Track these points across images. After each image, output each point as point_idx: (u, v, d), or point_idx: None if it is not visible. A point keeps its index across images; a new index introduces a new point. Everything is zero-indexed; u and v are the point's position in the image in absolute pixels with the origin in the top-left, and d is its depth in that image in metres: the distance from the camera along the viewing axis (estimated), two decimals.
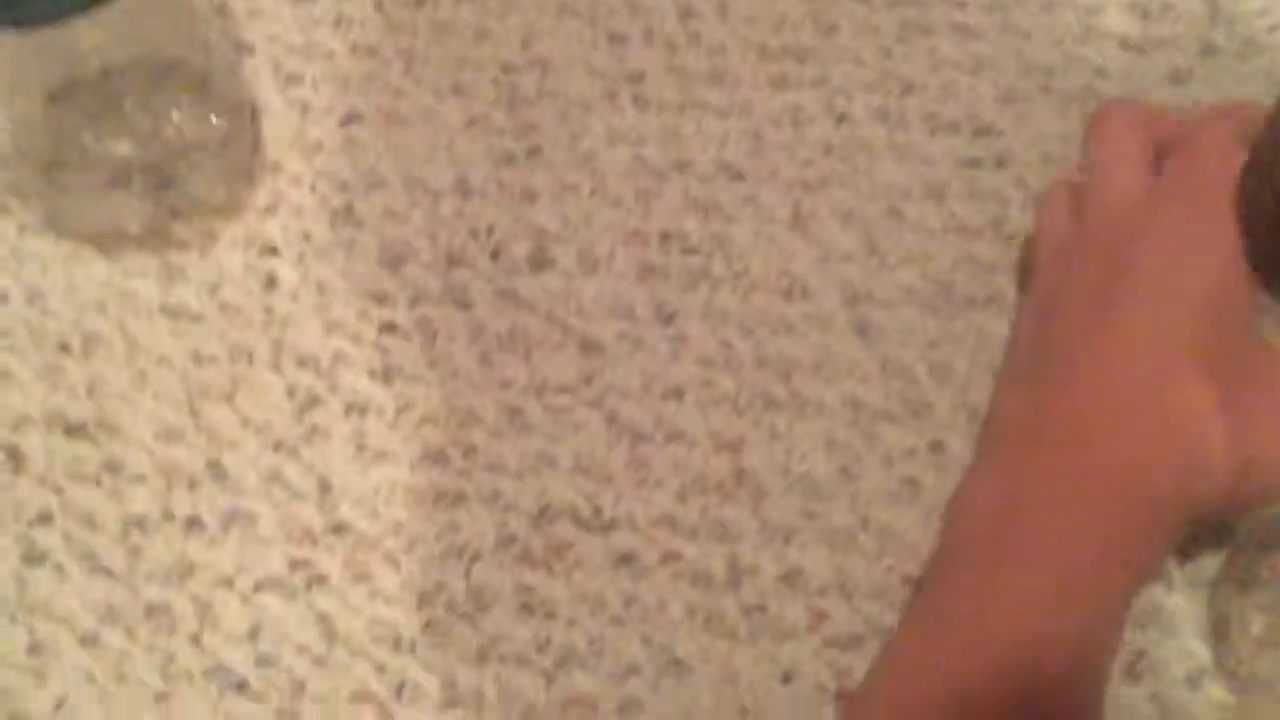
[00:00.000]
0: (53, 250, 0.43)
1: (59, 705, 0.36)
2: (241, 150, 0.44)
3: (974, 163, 0.44)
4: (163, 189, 0.42)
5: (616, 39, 0.47)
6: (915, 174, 0.44)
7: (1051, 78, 0.46)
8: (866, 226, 0.43)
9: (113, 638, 0.37)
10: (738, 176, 0.44)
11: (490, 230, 0.43)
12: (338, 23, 0.47)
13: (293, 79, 0.46)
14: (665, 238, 0.43)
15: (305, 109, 0.45)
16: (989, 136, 0.45)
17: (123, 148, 0.42)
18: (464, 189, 0.44)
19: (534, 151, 0.45)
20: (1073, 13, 0.47)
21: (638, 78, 0.46)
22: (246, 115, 0.44)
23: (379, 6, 0.48)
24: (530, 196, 0.44)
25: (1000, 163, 0.44)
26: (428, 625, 0.37)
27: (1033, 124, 0.45)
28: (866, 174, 0.44)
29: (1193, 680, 0.36)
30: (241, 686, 0.36)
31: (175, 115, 0.42)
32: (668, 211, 0.43)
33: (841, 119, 0.45)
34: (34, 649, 0.37)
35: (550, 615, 0.37)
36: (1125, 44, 0.46)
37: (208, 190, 0.43)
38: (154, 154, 0.42)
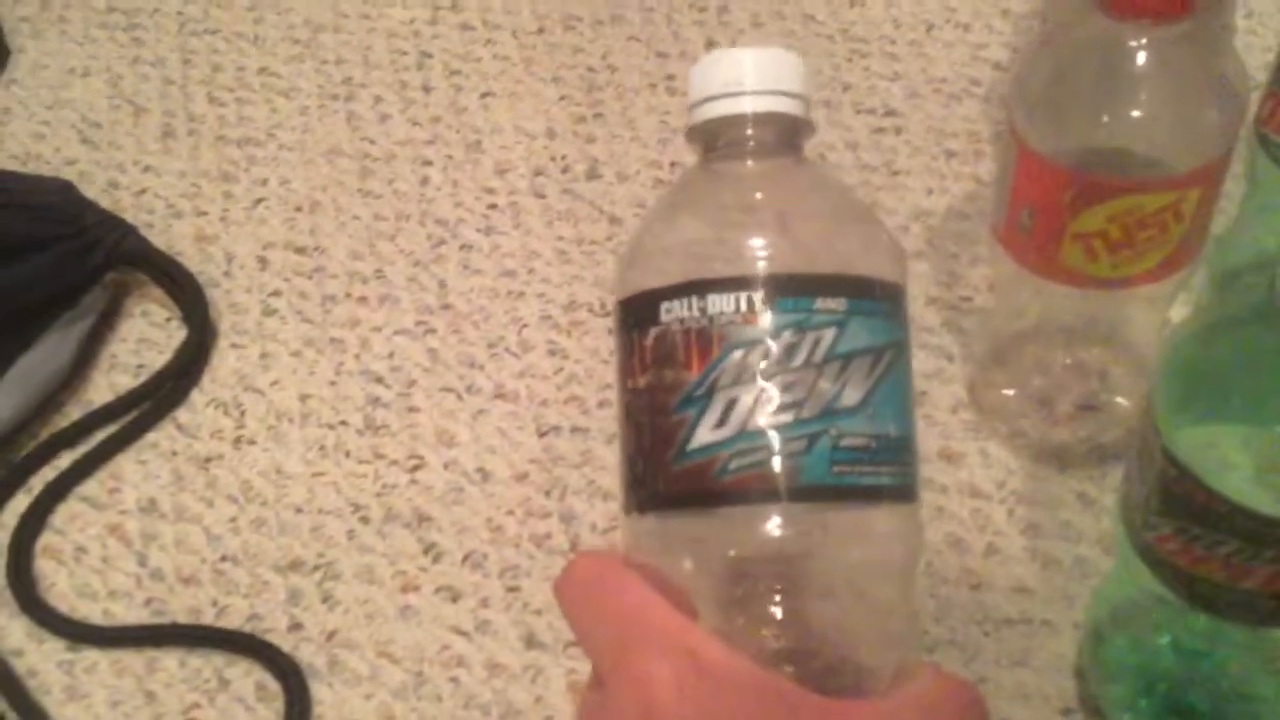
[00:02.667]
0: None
1: (275, 383, 0.61)
2: None
3: (880, 130, 0.67)
4: None
5: (660, 54, 0.72)
6: (840, 136, 0.67)
7: (943, 84, 0.69)
8: None
9: (309, 354, 0.61)
10: None
11: (564, 157, 0.68)
12: (488, 42, 0.74)
13: (457, 72, 0.73)
14: (674, 165, 0.67)
15: (458, 88, 0.72)
16: (894, 117, 0.68)
17: None
18: (550, 134, 0.69)
19: (598, 116, 0.70)
20: (966, 48, 0.70)
21: (671, 77, 0.71)
22: None
23: (514, 34, 0.74)
24: (591, 140, 0.69)
25: (898, 131, 0.67)
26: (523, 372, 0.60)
27: (923, 111, 0.68)
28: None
29: None
30: (379, 380, 0.60)
31: None
32: (679, 151, 0.67)
33: None
34: (264, 356, 0.62)
35: None
36: (997, 66, 0.69)
37: None
38: None
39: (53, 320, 0.60)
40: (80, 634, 0.54)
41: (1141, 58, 0.42)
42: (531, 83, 0.72)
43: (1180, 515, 0.37)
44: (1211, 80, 0.44)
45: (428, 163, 0.69)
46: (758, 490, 0.30)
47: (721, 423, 0.31)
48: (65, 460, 0.59)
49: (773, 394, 0.30)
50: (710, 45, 0.72)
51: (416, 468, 0.58)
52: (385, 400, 0.60)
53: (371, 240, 0.66)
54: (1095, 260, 0.45)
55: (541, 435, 0.58)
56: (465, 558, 0.55)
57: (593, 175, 0.67)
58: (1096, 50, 0.43)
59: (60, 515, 0.58)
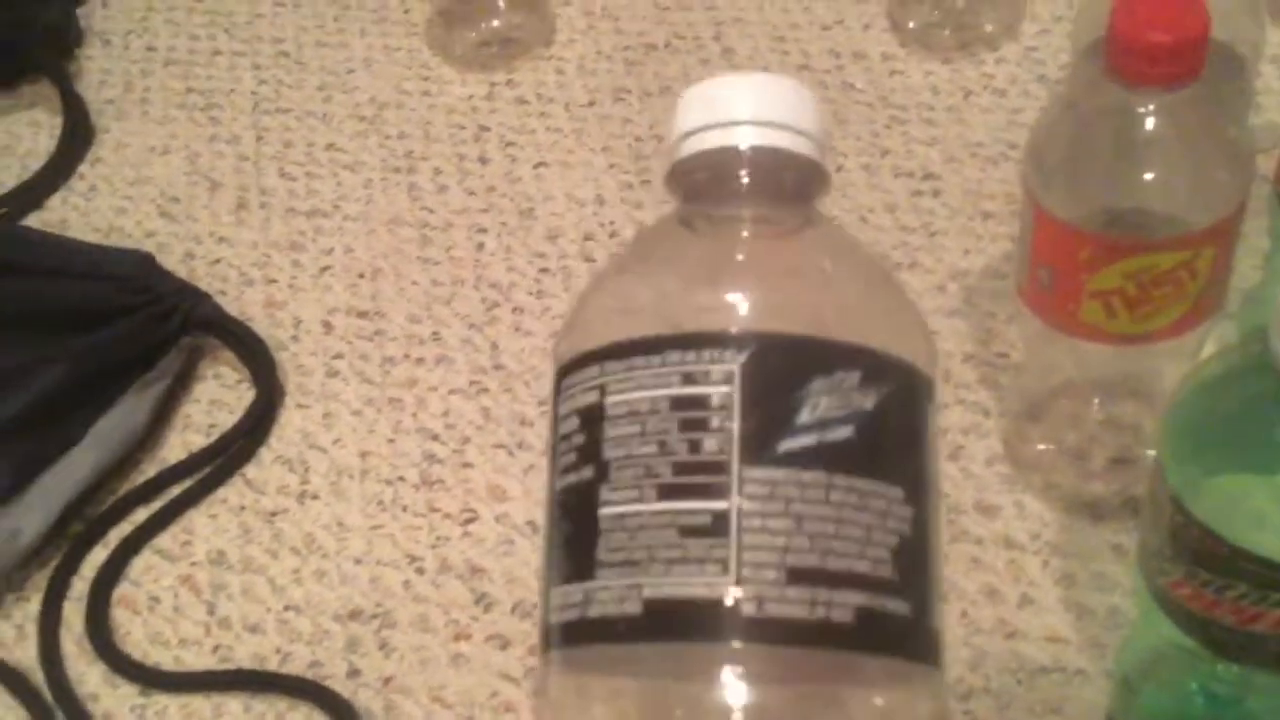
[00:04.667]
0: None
1: (337, 441, 0.64)
2: None
3: (919, 193, 0.69)
4: None
5: None
6: (879, 199, 0.69)
7: (980, 148, 0.71)
8: (848, 228, 0.68)
9: (369, 413, 0.65)
10: None
11: (611, 223, 0.71)
12: (541, 115, 0.78)
13: (512, 144, 0.76)
14: None
15: (513, 159, 0.75)
16: (932, 180, 0.70)
17: None
18: (599, 201, 0.72)
19: (644, 183, 0.73)
20: (1003, 113, 0.72)
21: None
22: None
23: (566, 107, 0.78)
24: (639, 206, 0.72)
25: (936, 194, 0.69)
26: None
27: (961, 174, 0.70)
28: (851, 199, 0.70)
29: None
30: (435, 437, 0.63)
31: None
32: None
33: (839, 169, 0.71)
34: (327, 415, 0.65)
35: None
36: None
37: None
38: None
39: (131, 382, 0.64)
40: (152, 679, 0.57)
41: (1151, 122, 0.44)
42: (582, 153, 0.75)
43: (1189, 561, 0.38)
44: (1221, 140, 0.45)
45: (483, 230, 0.72)
46: None
47: None
48: (141, 515, 0.62)
49: None
50: None
51: (469, 521, 0.60)
52: (440, 456, 0.62)
53: (429, 304, 0.69)
54: (1115, 317, 0.47)
55: None
56: (515, 607, 0.57)
57: None
58: (1108, 117, 0.45)
59: (136, 567, 0.61)
